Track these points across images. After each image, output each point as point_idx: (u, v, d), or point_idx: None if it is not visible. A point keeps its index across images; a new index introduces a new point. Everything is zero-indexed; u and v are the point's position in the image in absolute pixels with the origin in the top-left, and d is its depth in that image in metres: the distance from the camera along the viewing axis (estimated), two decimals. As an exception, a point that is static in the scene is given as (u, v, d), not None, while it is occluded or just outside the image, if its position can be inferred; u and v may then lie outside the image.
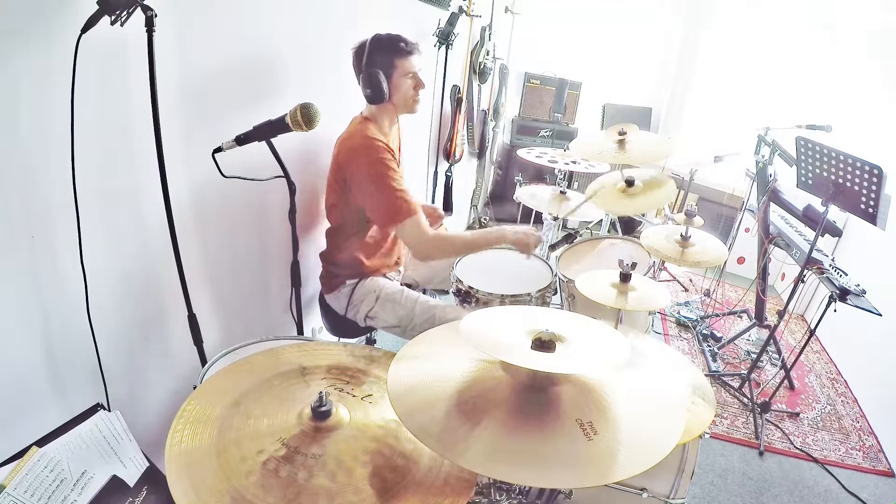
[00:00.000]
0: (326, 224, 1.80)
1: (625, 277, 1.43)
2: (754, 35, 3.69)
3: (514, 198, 2.39)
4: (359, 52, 1.63)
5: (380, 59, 1.60)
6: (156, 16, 1.01)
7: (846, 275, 2.16)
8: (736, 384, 2.55)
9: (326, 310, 1.83)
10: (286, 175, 1.43)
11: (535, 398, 0.85)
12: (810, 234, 2.30)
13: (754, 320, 2.86)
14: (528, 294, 1.68)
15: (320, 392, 0.83)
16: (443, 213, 2.14)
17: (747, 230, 3.16)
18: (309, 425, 0.82)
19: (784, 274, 3.63)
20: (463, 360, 0.92)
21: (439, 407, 0.81)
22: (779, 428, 2.35)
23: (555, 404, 0.84)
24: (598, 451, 0.75)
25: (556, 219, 2.33)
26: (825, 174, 2.01)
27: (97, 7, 0.95)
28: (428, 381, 0.87)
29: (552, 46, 4.14)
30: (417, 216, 1.56)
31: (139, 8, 0.98)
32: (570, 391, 0.86)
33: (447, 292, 1.87)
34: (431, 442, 0.74)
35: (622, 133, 2.14)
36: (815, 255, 2.17)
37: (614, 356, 0.87)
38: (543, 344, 0.87)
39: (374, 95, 1.62)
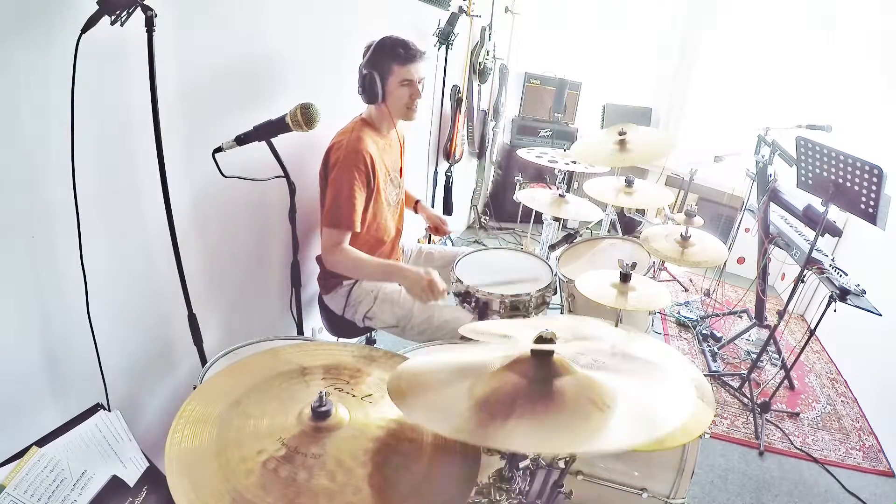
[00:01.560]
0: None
1: (625, 277, 1.44)
2: (754, 35, 3.69)
3: (514, 198, 2.38)
4: (365, 51, 1.64)
5: (379, 62, 1.61)
6: (156, 16, 1.01)
7: (846, 275, 2.16)
8: (736, 384, 2.55)
9: (325, 310, 1.84)
10: (286, 175, 1.43)
11: (543, 389, 0.84)
12: (810, 234, 2.30)
13: (754, 320, 2.86)
14: (528, 294, 1.68)
15: (320, 392, 0.83)
16: (449, 229, 2.14)
17: (747, 230, 3.15)
18: (309, 425, 0.82)
19: (784, 274, 3.63)
20: (462, 365, 0.92)
21: (459, 407, 0.80)
22: (779, 428, 2.35)
23: (561, 392, 0.84)
24: (615, 418, 0.76)
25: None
26: (825, 174, 2.01)
27: (97, 7, 0.95)
28: (435, 390, 0.86)
29: (552, 46, 4.14)
30: (346, 233, 1.59)
31: (139, 8, 0.98)
32: (571, 382, 0.86)
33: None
34: (466, 436, 0.74)
35: (622, 133, 2.14)
36: (815, 255, 2.16)
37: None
38: (544, 343, 0.87)
39: (365, 96, 1.65)
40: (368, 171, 1.61)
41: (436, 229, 2.13)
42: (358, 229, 1.60)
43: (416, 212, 2.13)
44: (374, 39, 1.63)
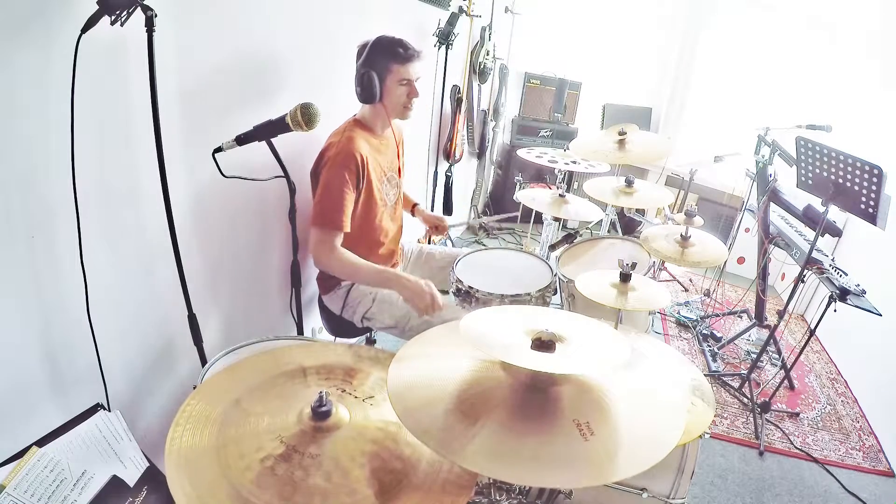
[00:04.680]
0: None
1: (625, 277, 1.43)
2: (754, 35, 3.69)
3: (514, 198, 2.38)
4: (360, 50, 1.64)
5: (377, 61, 1.61)
6: (156, 16, 1.01)
7: (846, 275, 2.16)
8: (736, 384, 2.55)
9: (325, 310, 1.83)
10: (286, 175, 1.43)
11: (534, 398, 0.85)
12: (810, 234, 2.30)
13: (754, 320, 2.85)
14: (528, 294, 1.68)
15: (321, 392, 0.83)
16: (447, 224, 2.13)
17: (747, 230, 3.15)
18: (309, 425, 0.82)
19: (784, 274, 3.63)
20: (463, 359, 0.92)
21: (439, 406, 0.81)
22: (779, 428, 2.35)
23: (553, 404, 0.84)
24: (594, 452, 0.75)
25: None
26: (825, 174, 2.01)
27: (97, 7, 0.95)
28: (428, 380, 0.87)
29: (552, 46, 4.14)
30: (335, 233, 1.57)
31: (139, 8, 0.98)
32: (569, 391, 0.86)
33: (447, 292, 1.87)
34: (430, 441, 0.74)
35: (622, 133, 2.14)
36: (815, 255, 2.16)
37: (613, 356, 0.87)
38: (543, 344, 0.87)
39: (363, 95, 1.65)
40: (359, 171, 1.61)
41: (435, 228, 2.13)
42: (347, 229, 1.59)
43: (413, 215, 2.13)
44: (369, 40, 1.63)
